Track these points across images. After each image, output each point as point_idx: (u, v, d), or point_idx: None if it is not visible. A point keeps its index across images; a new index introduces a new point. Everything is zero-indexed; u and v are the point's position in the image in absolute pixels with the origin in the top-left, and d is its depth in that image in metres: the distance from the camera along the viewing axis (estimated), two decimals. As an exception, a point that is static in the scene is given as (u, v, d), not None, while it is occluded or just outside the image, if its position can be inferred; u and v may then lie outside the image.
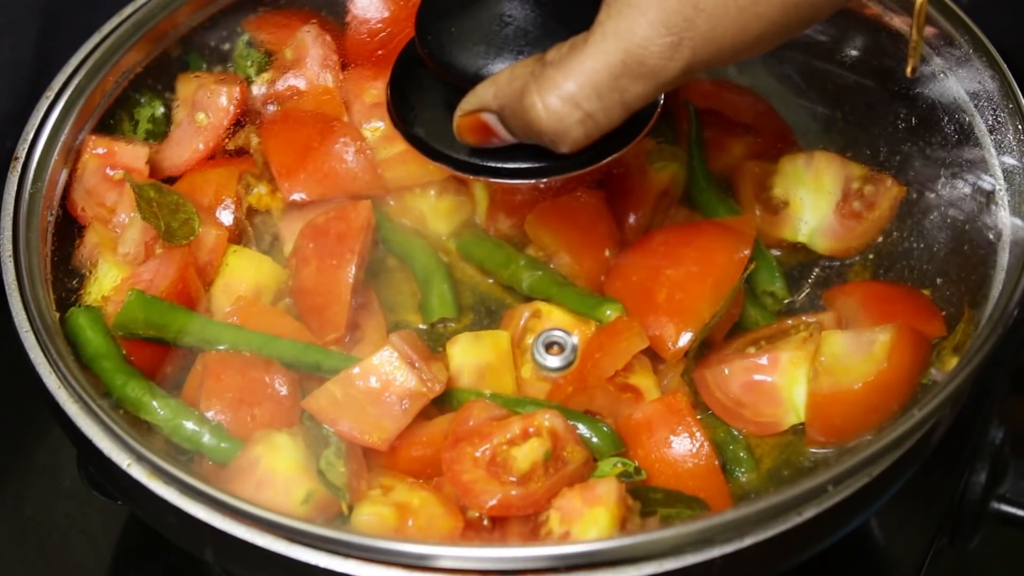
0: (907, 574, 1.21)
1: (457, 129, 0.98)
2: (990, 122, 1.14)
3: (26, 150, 1.14)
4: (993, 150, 1.13)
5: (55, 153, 1.15)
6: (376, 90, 1.22)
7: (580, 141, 0.93)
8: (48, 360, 1.03)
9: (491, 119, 0.96)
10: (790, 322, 1.14)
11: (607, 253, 1.16)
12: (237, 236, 1.17)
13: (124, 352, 1.08)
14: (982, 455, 1.24)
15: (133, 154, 1.18)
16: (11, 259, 1.08)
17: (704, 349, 1.13)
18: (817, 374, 1.09)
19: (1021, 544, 1.35)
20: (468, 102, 0.97)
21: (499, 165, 1.02)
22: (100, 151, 1.18)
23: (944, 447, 1.06)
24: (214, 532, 0.93)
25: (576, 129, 0.91)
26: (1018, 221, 1.09)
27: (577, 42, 0.91)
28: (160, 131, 1.24)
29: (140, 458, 0.97)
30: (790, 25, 0.88)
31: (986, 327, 1.03)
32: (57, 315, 1.08)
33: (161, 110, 1.25)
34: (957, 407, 1.05)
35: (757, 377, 1.11)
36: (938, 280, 1.15)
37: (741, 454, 1.10)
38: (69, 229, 1.16)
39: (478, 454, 1.02)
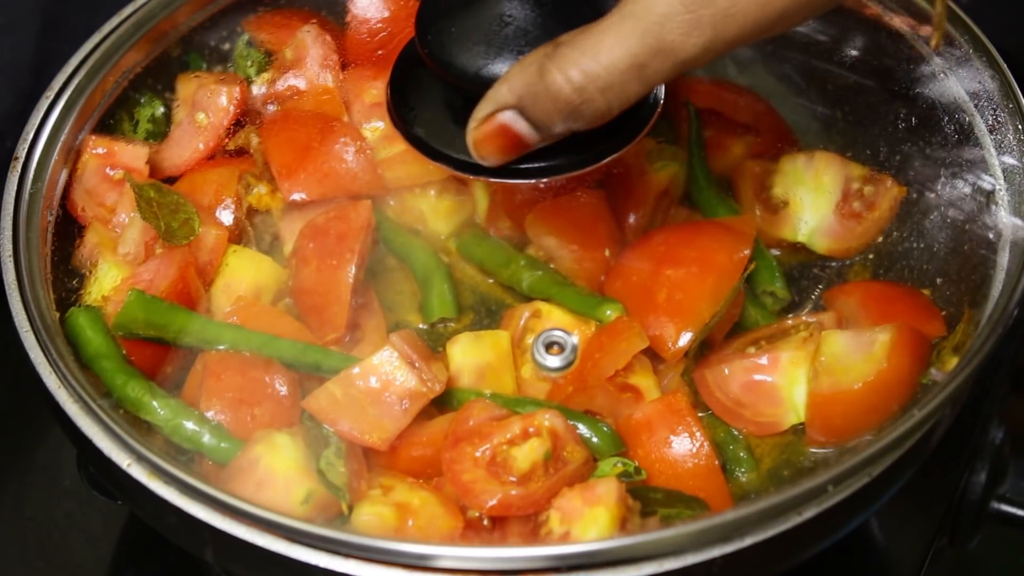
0: (907, 574, 1.20)
1: (475, 144, 0.97)
2: (990, 122, 1.14)
3: (26, 150, 1.14)
4: (993, 150, 1.13)
5: (55, 153, 1.15)
6: (376, 90, 1.22)
7: (602, 112, 0.92)
8: (48, 360, 1.03)
9: (509, 117, 0.95)
10: (790, 322, 1.14)
11: (607, 253, 1.16)
12: (237, 236, 1.17)
13: (124, 352, 1.08)
14: (982, 455, 1.24)
15: (133, 154, 1.19)
16: (11, 259, 1.08)
17: (704, 349, 1.13)
18: (817, 374, 1.09)
19: (1021, 544, 1.35)
20: (482, 108, 0.95)
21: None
22: (100, 151, 1.18)
23: (944, 447, 1.06)
24: (214, 532, 0.93)
25: (598, 99, 0.91)
26: (1018, 221, 1.09)
27: (592, 25, 0.91)
28: (160, 131, 1.24)
29: (140, 458, 0.97)
30: (813, 2, 0.88)
31: (986, 327, 1.03)
32: (57, 315, 1.08)
33: (161, 110, 1.25)
34: (957, 407, 1.05)
35: (757, 377, 1.11)
36: (938, 280, 1.15)
37: (741, 454, 1.10)
38: (69, 229, 1.16)
39: (478, 454, 1.02)
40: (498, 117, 0.95)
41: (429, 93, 1.07)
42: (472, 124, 0.96)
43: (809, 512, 0.95)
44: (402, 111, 1.07)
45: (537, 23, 1.01)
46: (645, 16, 0.88)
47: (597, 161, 1.02)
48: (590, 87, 0.90)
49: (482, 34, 1.00)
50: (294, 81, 1.23)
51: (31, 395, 1.04)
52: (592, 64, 0.90)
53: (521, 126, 0.94)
